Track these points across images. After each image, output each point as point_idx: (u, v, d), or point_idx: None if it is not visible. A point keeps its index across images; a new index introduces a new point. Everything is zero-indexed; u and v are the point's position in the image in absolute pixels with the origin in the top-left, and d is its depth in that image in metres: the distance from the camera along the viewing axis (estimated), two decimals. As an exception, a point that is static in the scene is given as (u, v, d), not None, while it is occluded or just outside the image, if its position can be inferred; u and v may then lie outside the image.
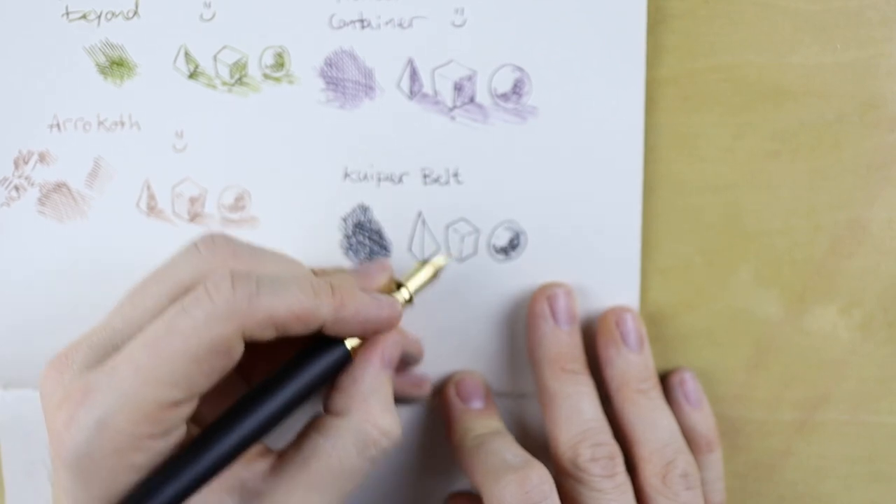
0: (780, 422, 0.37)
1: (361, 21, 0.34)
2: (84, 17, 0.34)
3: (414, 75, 0.34)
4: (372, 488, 0.38)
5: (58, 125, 0.35)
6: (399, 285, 0.33)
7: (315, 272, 0.33)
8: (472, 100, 0.34)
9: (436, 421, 0.38)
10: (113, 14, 0.34)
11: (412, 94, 0.34)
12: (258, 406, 0.27)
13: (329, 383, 0.30)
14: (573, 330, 0.35)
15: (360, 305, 0.29)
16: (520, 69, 0.34)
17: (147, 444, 0.25)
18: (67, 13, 0.34)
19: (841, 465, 0.38)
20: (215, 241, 0.29)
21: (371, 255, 0.36)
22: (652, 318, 0.37)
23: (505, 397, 0.37)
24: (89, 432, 0.24)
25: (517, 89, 0.34)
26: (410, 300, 0.33)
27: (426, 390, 0.36)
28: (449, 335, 0.37)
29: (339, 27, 0.34)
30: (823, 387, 0.37)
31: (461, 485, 0.38)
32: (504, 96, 0.34)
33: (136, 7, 0.34)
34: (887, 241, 0.35)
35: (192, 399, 0.26)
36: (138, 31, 0.34)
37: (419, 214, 0.35)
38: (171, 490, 0.25)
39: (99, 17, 0.34)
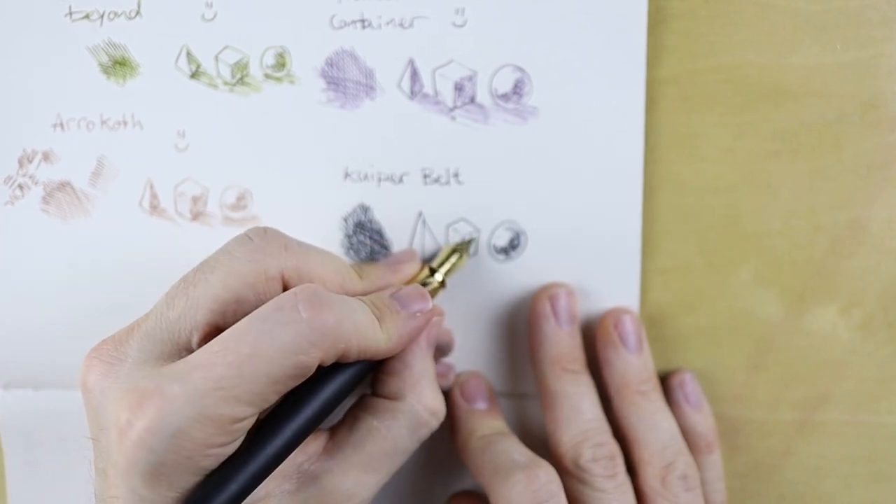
0: (780, 422, 0.37)
1: (362, 21, 0.34)
2: (87, 16, 0.34)
3: (414, 75, 0.34)
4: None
5: (61, 124, 0.35)
6: (432, 270, 0.34)
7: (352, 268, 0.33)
8: (472, 100, 0.34)
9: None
10: (115, 14, 0.34)
11: (413, 94, 0.34)
12: (313, 396, 0.28)
13: (377, 367, 0.31)
14: (574, 330, 0.35)
15: (402, 332, 0.30)
16: (520, 69, 0.34)
17: (217, 451, 0.26)
18: (70, 13, 0.34)
19: (841, 465, 0.38)
20: (267, 233, 0.29)
21: (372, 254, 0.36)
22: (652, 318, 0.37)
23: (506, 397, 0.38)
24: (166, 442, 0.25)
25: (518, 89, 0.34)
26: (443, 284, 0.34)
27: (451, 380, 0.37)
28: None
29: (340, 27, 0.34)
30: (823, 387, 0.37)
31: (463, 484, 0.38)
32: (504, 96, 0.34)
33: (139, 7, 0.34)
34: (887, 241, 0.35)
35: (262, 410, 0.26)
36: (140, 31, 0.34)
37: (419, 214, 0.35)
38: (234, 487, 0.26)
39: (101, 16, 0.34)
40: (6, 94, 0.35)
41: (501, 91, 0.34)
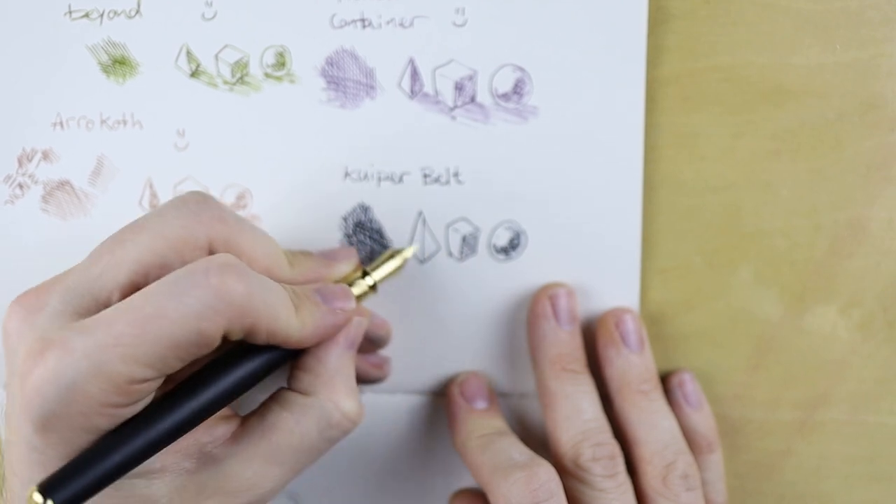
0: (780, 422, 0.37)
1: (362, 20, 0.34)
2: (86, 15, 0.34)
3: (415, 75, 0.34)
4: (374, 487, 0.38)
5: (61, 123, 0.35)
6: (365, 273, 0.33)
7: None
8: (472, 99, 0.34)
9: (437, 421, 0.38)
10: (115, 13, 0.34)
11: (413, 93, 0.34)
12: (221, 375, 0.28)
13: (292, 360, 0.30)
14: (574, 330, 0.35)
15: (318, 324, 0.29)
16: (521, 69, 0.34)
17: (112, 412, 0.25)
18: (70, 12, 0.34)
19: (841, 465, 0.38)
20: (206, 201, 0.29)
21: (372, 254, 0.36)
22: (652, 317, 0.37)
23: (506, 397, 0.38)
24: (60, 392, 0.24)
25: (518, 89, 0.34)
26: (374, 288, 0.33)
27: (386, 372, 0.36)
28: (449, 335, 0.37)
29: (341, 26, 0.34)
30: (823, 387, 0.37)
31: (463, 484, 0.38)
32: (505, 96, 0.34)
33: (138, 6, 0.34)
34: (887, 240, 0.35)
35: (162, 376, 0.26)
36: (140, 30, 0.34)
37: (420, 214, 0.35)
38: (126, 450, 0.25)
39: (101, 15, 0.34)
40: (6, 92, 0.35)
41: (502, 91, 0.34)
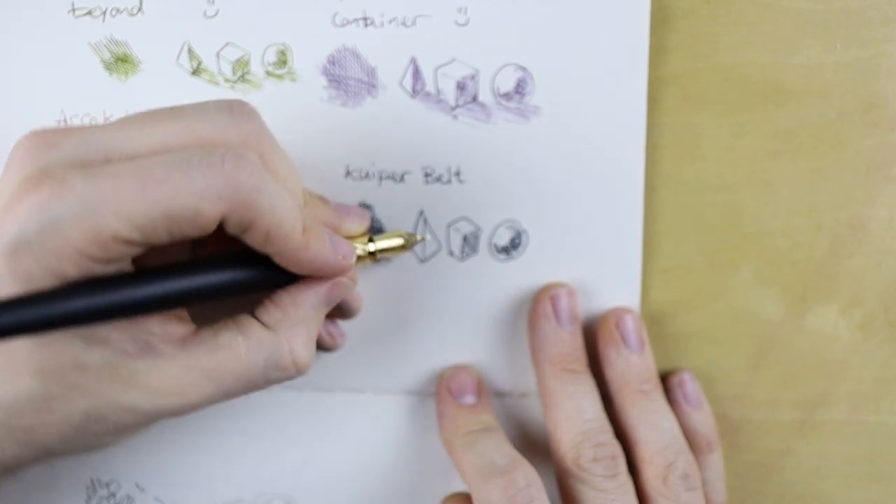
0: (780, 422, 0.37)
1: (364, 19, 0.34)
2: (89, 13, 0.34)
3: (416, 74, 0.34)
4: (373, 488, 0.38)
5: (65, 120, 0.35)
6: (371, 240, 0.33)
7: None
8: (474, 99, 0.34)
9: (434, 420, 0.38)
10: (118, 10, 0.34)
11: (415, 92, 0.34)
12: (199, 272, 0.27)
13: (267, 291, 0.30)
14: (575, 330, 0.35)
15: (319, 252, 0.29)
16: (522, 68, 0.34)
17: (84, 263, 0.25)
18: (73, 9, 0.34)
19: (841, 465, 0.38)
20: (251, 114, 0.28)
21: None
22: (653, 317, 0.37)
23: (507, 397, 0.37)
24: (42, 225, 0.24)
25: (520, 89, 0.34)
26: (374, 256, 0.33)
27: (338, 344, 0.36)
28: (450, 334, 0.37)
29: (343, 25, 0.34)
30: (823, 387, 0.37)
31: (461, 485, 0.38)
32: (507, 95, 0.34)
33: (141, 4, 0.34)
34: (888, 240, 0.35)
35: (146, 245, 0.26)
36: (142, 28, 0.34)
37: (421, 213, 0.35)
38: (79, 304, 0.25)
39: (104, 13, 0.34)
40: (10, 90, 0.35)
41: (503, 90, 0.34)
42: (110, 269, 0.26)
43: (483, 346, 0.37)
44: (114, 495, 0.38)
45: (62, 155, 0.26)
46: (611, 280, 0.36)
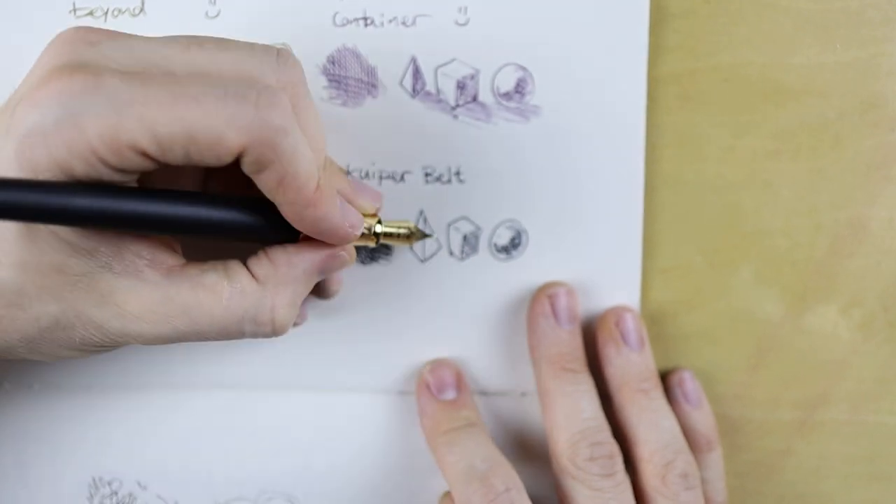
0: (780, 421, 0.37)
1: (365, 19, 0.34)
2: (91, 13, 0.34)
3: (417, 73, 0.34)
4: (372, 488, 0.38)
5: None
6: (379, 222, 0.32)
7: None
8: (474, 98, 0.34)
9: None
10: (119, 11, 0.34)
11: (415, 92, 0.34)
12: (205, 204, 0.27)
13: (264, 244, 0.29)
14: (574, 329, 0.35)
15: (329, 210, 0.28)
16: (523, 68, 0.34)
17: (93, 163, 0.24)
18: (75, 10, 0.34)
19: (841, 464, 0.38)
20: (295, 65, 0.28)
21: (372, 253, 0.36)
22: (652, 317, 0.37)
23: (505, 396, 0.38)
24: (62, 114, 0.24)
25: (520, 88, 0.34)
26: (377, 238, 0.32)
27: (300, 321, 0.36)
28: (450, 333, 0.37)
29: (343, 25, 0.34)
30: (823, 387, 0.37)
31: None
32: (507, 95, 0.34)
33: (142, 4, 0.34)
34: (888, 240, 0.35)
35: (159, 162, 0.25)
36: (144, 29, 0.34)
37: (421, 213, 0.35)
38: (78, 204, 0.24)
39: (106, 13, 0.34)
40: (10, 91, 0.35)
41: (504, 90, 0.34)
42: (116, 178, 0.25)
43: (483, 346, 0.37)
44: (116, 493, 0.38)
45: (102, 54, 0.25)
46: (611, 280, 0.36)
